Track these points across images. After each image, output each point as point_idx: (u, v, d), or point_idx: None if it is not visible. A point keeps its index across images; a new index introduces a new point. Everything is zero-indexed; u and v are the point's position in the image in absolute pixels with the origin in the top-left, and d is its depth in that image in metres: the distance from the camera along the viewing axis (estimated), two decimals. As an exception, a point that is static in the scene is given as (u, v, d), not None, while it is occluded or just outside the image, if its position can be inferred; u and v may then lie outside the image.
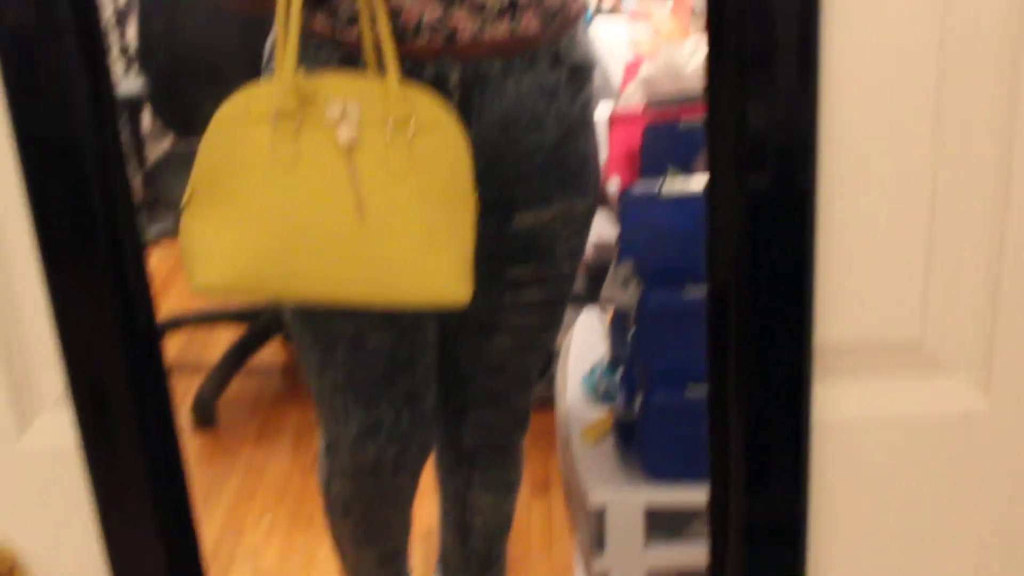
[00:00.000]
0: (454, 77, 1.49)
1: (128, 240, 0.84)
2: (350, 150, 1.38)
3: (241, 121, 1.40)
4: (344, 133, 1.39)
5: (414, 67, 1.47)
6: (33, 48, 0.79)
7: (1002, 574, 0.95)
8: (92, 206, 0.82)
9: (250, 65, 1.69)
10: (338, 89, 1.41)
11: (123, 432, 0.87)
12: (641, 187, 1.67)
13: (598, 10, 2.90)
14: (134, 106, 3.04)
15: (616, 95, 2.30)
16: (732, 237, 0.83)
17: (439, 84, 1.48)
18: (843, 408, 0.88)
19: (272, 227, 1.39)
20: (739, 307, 0.85)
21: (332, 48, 1.51)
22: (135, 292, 0.85)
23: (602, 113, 2.02)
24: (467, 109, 1.51)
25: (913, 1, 0.82)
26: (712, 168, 0.84)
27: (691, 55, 1.97)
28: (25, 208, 0.81)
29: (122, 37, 3.83)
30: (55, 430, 0.88)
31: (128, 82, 2.92)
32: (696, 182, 1.63)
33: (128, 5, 3.79)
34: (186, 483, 0.93)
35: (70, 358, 0.85)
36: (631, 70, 2.21)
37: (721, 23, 0.83)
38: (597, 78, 1.69)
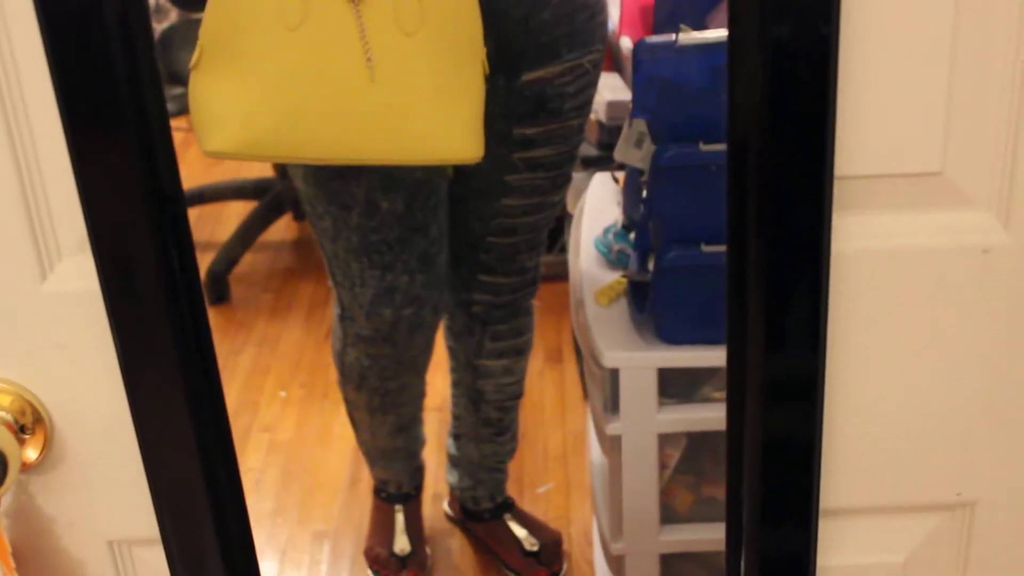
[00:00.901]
0: None
1: (151, 100, 0.81)
2: (359, 5, 1.36)
3: (246, -21, 1.37)
4: None
5: None
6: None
7: (1019, 410, 0.94)
8: (114, 64, 0.79)
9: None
10: None
11: (146, 282, 0.85)
12: (656, 38, 1.63)
13: None
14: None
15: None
16: (754, 85, 0.81)
17: None
18: (863, 241, 0.87)
19: (282, 86, 1.37)
20: (760, 155, 0.83)
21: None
22: (157, 148, 0.83)
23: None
24: None
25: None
26: (732, 16, 0.82)
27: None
28: (45, 61, 0.78)
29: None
30: (78, 275, 0.86)
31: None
32: (713, 34, 1.60)
33: None
34: (210, 338, 0.92)
35: (91, 210, 0.83)
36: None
37: None
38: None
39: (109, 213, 0.83)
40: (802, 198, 0.85)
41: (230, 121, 1.38)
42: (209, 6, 1.39)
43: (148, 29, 0.80)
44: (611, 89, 2.23)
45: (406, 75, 1.39)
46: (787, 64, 0.81)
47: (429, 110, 1.39)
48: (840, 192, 0.84)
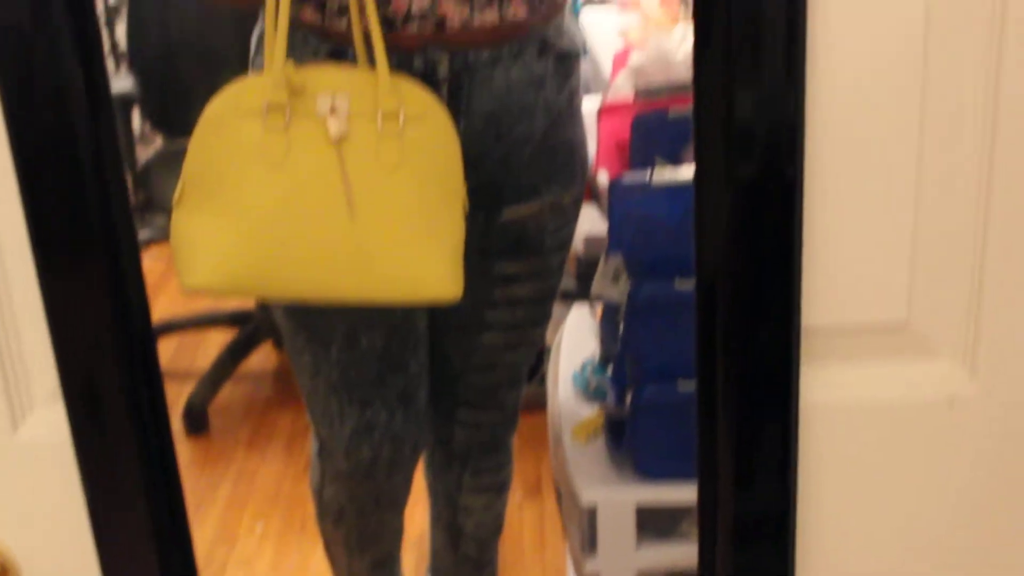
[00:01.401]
0: (443, 69, 1.48)
1: (124, 237, 0.83)
2: (340, 143, 1.38)
3: (231, 115, 1.39)
4: (334, 126, 1.38)
5: (403, 59, 1.46)
6: (28, 45, 0.78)
7: (987, 557, 0.94)
8: (87, 202, 0.81)
9: (240, 63, 1.68)
10: (328, 81, 1.40)
11: (116, 428, 0.86)
12: (631, 177, 1.66)
13: (589, 0, 2.89)
14: (124, 106, 3.03)
15: (606, 86, 2.29)
16: (720, 226, 0.83)
17: (428, 76, 1.47)
18: (831, 392, 0.88)
19: (263, 224, 1.38)
20: (727, 295, 0.85)
21: (321, 39, 1.51)
22: (130, 289, 0.84)
23: (592, 104, 2.01)
24: (456, 100, 1.50)
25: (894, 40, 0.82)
26: (699, 158, 0.84)
27: (680, 43, 1.95)
28: (20, 204, 0.80)
29: (112, 36, 3.82)
30: (49, 425, 0.87)
31: (118, 81, 2.90)
32: (686, 172, 1.62)
33: (118, 3, 3.78)
34: (179, 483, 0.92)
35: (63, 355, 0.84)
36: (620, 60, 2.19)
37: (708, 12, 0.82)
38: (587, 68, 1.68)
39: (80, 358, 0.84)
40: (770, 344, 0.86)
41: (210, 258, 1.39)
42: (192, 143, 1.41)
43: (119, 169, 0.82)
44: (589, 221, 2.25)
45: (386, 213, 1.40)
46: (753, 205, 0.82)
47: (408, 249, 1.40)
48: (807, 340, 0.85)
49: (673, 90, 1.83)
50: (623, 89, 2.00)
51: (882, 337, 0.87)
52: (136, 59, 2.88)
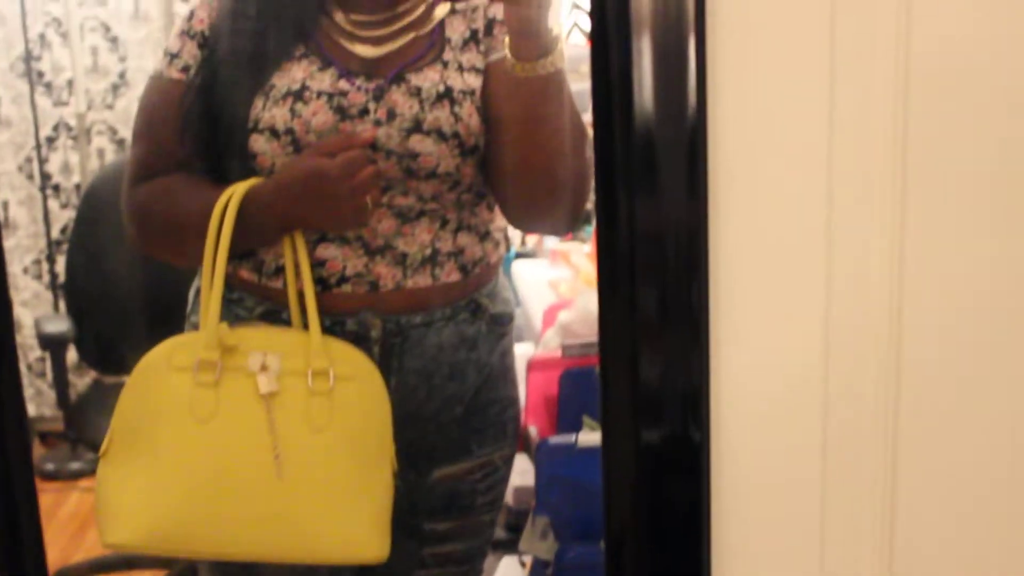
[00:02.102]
0: (375, 331, 1.51)
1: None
2: (270, 400, 1.40)
3: (162, 371, 1.41)
4: (264, 383, 1.40)
5: (336, 320, 1.50)
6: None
7: None
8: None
9: (175, 309, 1.70)
10: (260, 341, 1.43)
11: None
12: (556, 439, 1.69)
13: (520, 253, 2.98)
14: (60, 345, 3.03)
15: (537, 337, 2.34)
16: (627, 489, 0.85)
17: (361, 337, 1.50)
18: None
19: (188, 482, 1.38)
20: (635, 560, 0.86)
21: (256, 300, 1.54)
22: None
23: (522, 353, 2.04)
24: (388, 361, 1.52)
25: (797, 285, 0.87)
26: (606, 421, 0.86)
27: (608, 303, 2.00)
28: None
29: (52, 269, 3.85)
30: None
31: (54, 323, 2.92)
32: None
33: (64, 235, 3.83)
34: None
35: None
36: (550, 315, 2.25)
37: (613, 279, 0.86)
38: (518, 317, 1.72)
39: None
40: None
41: (133, 515, 1.39)
42: (122, 396, 1.43)
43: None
44: (519, 473, 2.26)
45: (312, 473, 1.41)
46: (659, 468, 0.84)
47: (335, 510, 1.41)
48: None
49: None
50: (552, 344, 2.05)
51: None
52: (72, 301, 2.91)
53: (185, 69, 1.52)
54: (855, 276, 0.88)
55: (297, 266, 1.47)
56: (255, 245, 1.51)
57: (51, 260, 3.84)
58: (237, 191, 1.45)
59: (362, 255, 1.49)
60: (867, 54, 0.88)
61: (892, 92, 0.88)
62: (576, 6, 2.63)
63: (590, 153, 1.27)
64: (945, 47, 0.88)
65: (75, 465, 3.58)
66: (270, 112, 1.45)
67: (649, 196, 0.87)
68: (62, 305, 3.72)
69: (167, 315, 1.79)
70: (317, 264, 1.49)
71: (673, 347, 0.85)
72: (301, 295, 1.47)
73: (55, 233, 3.85)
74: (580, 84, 1.30)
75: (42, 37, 3.73)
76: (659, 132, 0.87)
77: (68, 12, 3.70)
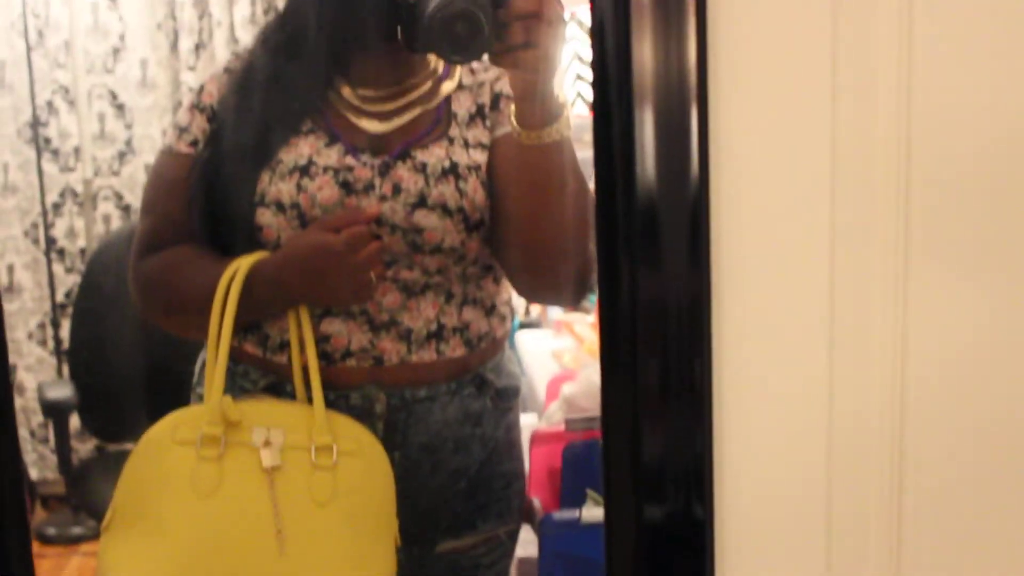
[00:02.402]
0: (380, 405, 1.51)
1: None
2: (273, 475, 1.39)
3: (166, 445, 1.41)
4: (267, 457, 1.40)
5: (340, 395, 1.50)
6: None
7: None
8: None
9: (180, 378, 1.71)
10: (264, 415, 1.43)
11: None
12: (560, 515, 1.68)
13: (524, 323, 2.98)
14: (62, 412, 3.03)
15: (540, 408, 2.34)
16: (630, 567, 0.84)
17: (365, 411, 1.50)
18: None
19: (190, 555, 1.38)
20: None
21: (261, 372, 1.54)
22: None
23: (526, 424, 2.04)
24: (392, 436, 1.52)
25: (800, 358, 0.87)
26: (608, 497, 0.86)
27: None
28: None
29: (56, 334, 3.85)
30: None
31: (58, 388, 2.92)
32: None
33: (68, 299, 3.84)
34: None
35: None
36: (554, 386, 2.25)
37: (615, 352, 0.86)
38: (522, 387, 1.71)
39: None
40: None
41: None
42: (126, 469, 1.42)
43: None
44: (523, 544, 2.25)
45: (315, 549, 1.40)
46: (662, 546, 0.84)
47: None
48: None
49: (603, 421, 1.86)
50: (555, 417, 2.05)
51: None
52: (76, 367, 2.91)
53: (194, 143, 1.54)
54: (858, 348, 0.88)
55: (302, 341, 1.47)
56: (260, 318, 1.52)
57: (55, 324, 3.84)
58: (242, 265, 1.46)
59: (367, 330, 1.49)
60: (868, 123, 0.88)
61: (894, 158, 0.89)
62: (579, 77, 2.65)
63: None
64: (946, 111, 0.88)
65: (76, 530, 3.56)
66: (276, 186, 1.46)
67: (651, 266, 0.87)
68: (66, 370, 3.72)
69: (171, 384, 1.79)
70: (322, 339, 1.49)
71: (676, 421, 0.85)
72: (306, 369, 1.48)
73: (59, 297, 3.86)
74: (584, 152, 1.31)
75: (50, 104, 3.76)
76: (661, 202, 0.87)
77: (76, 79, 3.74)
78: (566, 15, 1.36)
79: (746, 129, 0.89)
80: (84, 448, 3.76)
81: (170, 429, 1.43)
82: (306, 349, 1.47)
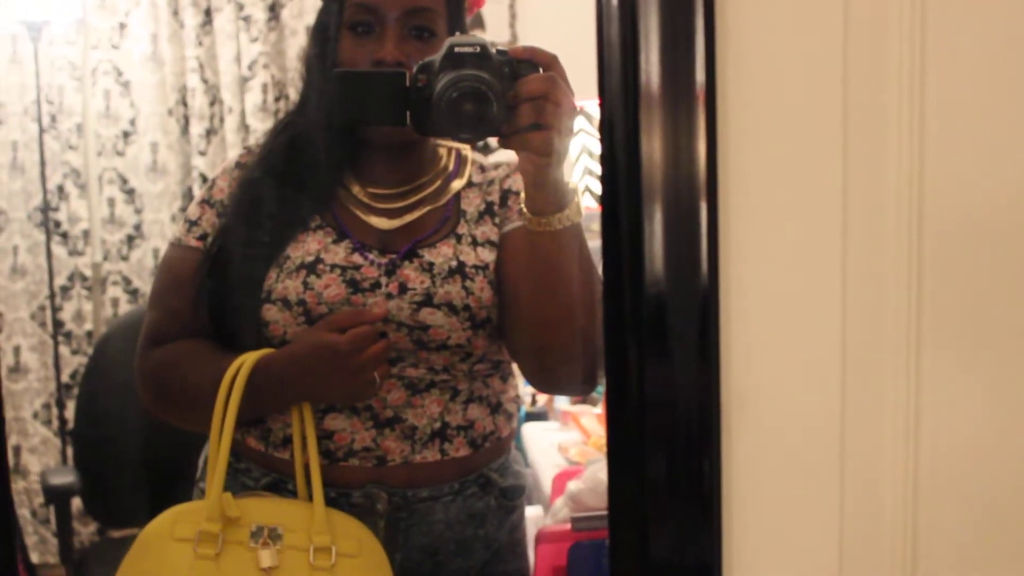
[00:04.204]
0: (381, 504, 1.50)
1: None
2: (270, 575, 1.38)
3: (164, 541, 1.40)
4: (265, 558, 1.38)
5: (341, 494, 1.48)
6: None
7: None
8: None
9: (183, 466, 1.69)
10: (263, 513, 1.42)
11: None
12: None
13: (530, 413, 2.97)
14: (65, 497, 3.02)
15: (545, 501, 2.31)
16: None
17: (367, 510, 1.49)
18: None
19: None
20: None
21: (263, 469, 1.53)
22: None
23: (531, 517, 2.02)
24: (393, 536, 1.50)
25: (812, 460, 0.86)
26: None
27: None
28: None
29: (61, 414, 3.85)
30: None
31: (60, 474, 2.91)
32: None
33: (73, 380, 3.83)
34: None
35: None
36: (560, 481, 2.23)
37: (622, 449, 0.85)
38: (527, 480, 1.69)
39: None
40: None
41: None
42: (124, 564, 1.42)
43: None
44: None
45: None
46: None
47: None
48: None
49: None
50: (561, 514, 2.03)
51: None
52: (80, 451, 2.90)
53: (203, 237, 1.54)
54: (870, 446, 0.88)
55: (304, 438, 1.46)
56: (263, 414, 1.51)
57: (60, 405, 3.84)
58: (247, 362, 1.45)
59: (371, 427, 1.48)
60: (878, 219, 0.88)
61: (905, 248, 0.88)
62: (588, 171, 2.67)
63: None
64: (958, 193, 0.88)
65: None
66: (283, 283, 1.46)
67: (660, 361, 0.87)
68: (70, 451, 3.70)
69: (175, 472, 1.78)
70: (325, 436, 1.48)
71: (684, 521, 0.84)
72: (307, 467, 1.46)
73: (65, 378, 3.86)
74: (593, 242, 1.31)
75: (60, 188, 3.79)
76: (671, 297, 0.87)
77: (87, 163, 3.77)
78: (575, 104, 1.36)
79: (756, 223, 0.88)
80: (86, 531, 3.73)
81: (168, 525, 1.41)
82: (308, 447, 1.46)
